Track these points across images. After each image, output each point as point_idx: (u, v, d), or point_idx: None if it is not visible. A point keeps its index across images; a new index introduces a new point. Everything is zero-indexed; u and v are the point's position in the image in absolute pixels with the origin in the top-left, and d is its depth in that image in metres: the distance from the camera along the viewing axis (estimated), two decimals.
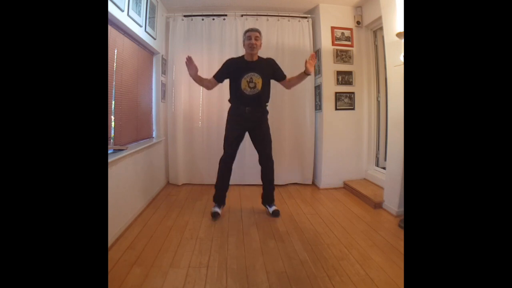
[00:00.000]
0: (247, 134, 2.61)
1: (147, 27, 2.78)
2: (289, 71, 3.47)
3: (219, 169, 2.62)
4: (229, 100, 2.55)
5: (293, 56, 3.51)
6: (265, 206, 2.67)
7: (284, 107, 3.54)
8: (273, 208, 2.58)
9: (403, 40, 2.26)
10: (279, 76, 2.54)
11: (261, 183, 2.68)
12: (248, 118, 2.46)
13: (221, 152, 3.51)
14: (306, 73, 2.35)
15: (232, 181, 3.56)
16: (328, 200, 3.02)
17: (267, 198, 2.64)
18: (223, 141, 2.60)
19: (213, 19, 3.47)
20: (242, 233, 2.21)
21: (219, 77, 2.49)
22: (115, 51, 2.25)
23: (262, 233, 2.21)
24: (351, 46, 3.40)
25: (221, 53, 3.48)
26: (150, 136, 3.24)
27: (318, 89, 3.49)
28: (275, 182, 3.53)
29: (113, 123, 2.26)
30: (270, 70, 2.50)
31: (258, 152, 2.58)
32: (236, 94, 2.46)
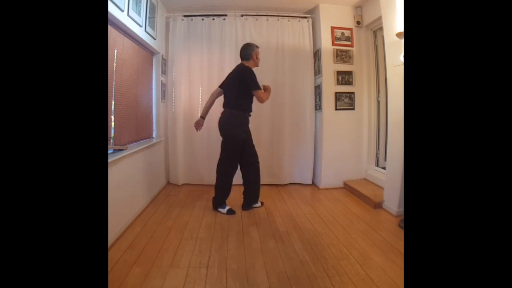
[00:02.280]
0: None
1: (147, 27, 2.78)
2: (289, 71, 3.50)
3: (227, 178, 2.64)
4: (242, 109, 2.56)
5: (293, 56, 3.51)
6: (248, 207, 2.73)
7: (284, 107, 3.54)
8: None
9: (403, 40, 2.26)
10: None
11: (259, 183, 2.72)
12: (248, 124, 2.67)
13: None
14: None
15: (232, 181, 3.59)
16: (328, 200, 3.02)
17: (251, 197, 2.73)
18: (226, 152, 2.64)
19: (213, 19, 3.47)
20: (242, 233, 2.21)
21: None
22: (115, 51, 2.25)
23: (262, 233, 2.21)
24: (351, 46, 3.40)
25: (221, 53, 3.49)
26: (150, 136, 3.24)
27: (318, 89, 3.49)
28: (277, 182, 3.56)
29: (113, 123, 2.26)
30: None
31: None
32: (251, 103, 2.60)
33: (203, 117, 2.75)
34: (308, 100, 3.55)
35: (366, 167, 3.52)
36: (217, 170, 2.67)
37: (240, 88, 2.48)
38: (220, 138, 3.53)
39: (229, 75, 2.65)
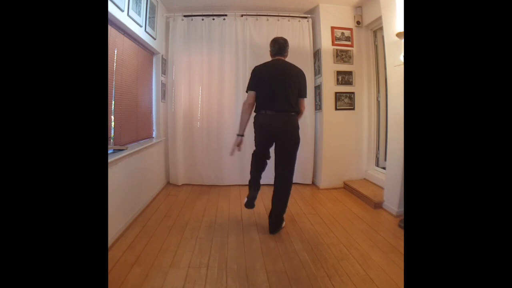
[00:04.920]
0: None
1: (147, 27, 2.78)
2: None
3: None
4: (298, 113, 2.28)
5: (293, 56, 3.49)
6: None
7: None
8: None
9: (403, 40, 2.26)
10: None
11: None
12: None
13: (220, 152, 3.55)
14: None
15: (232, 181, 3.59)
16: (328, 200, 3.02)
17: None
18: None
19: (213, 19, 3.47)
20: (242, 233, 2.21)
21: None
22: (115, 51, 2.25)
23: (262, 233, 2.21)
24: (351, 46, 3.40)
25: (221, 53, 3.49)
26: (150, 136, 3.24)
27: (318, 89, 3.49)
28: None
29: (113, 123, 2.26)
30: None
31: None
32: None
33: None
34: (308, 100, 3.54)
35: (366, 167, 3.52)
36: (291, 181, 2.30)
37: (297, 92, 2.21)
38: (220, 138, 3.58)
39: (271, 73, 2.18)
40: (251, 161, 2.39)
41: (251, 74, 2.26)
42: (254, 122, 2.28)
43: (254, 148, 2.38)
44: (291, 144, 2.19)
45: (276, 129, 2.16)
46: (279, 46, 2.28)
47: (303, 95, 2.26)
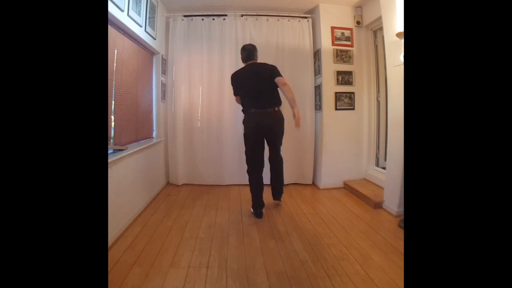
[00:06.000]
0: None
1: (147, 27, 2.78)
2: (289, 71, 3.50)
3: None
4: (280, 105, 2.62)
5: (293, 56, 3.51)
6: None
7: (284, 107, 3.54)
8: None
9: (403, 40, 2.26)
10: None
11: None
12: None
13: (221, 152, 3.55)
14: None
15: (232, 181, 3.59)
16: (328, 200, 3.02)
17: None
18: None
19: (213, 19, 3.47)
20: (242, 233, 2.21)
21: None
22: (115, 51, 2.25)
23: (262, 233, 2.21)
24: (351, 46, 3.40)
25: (221, 53, 3.49)
26: (150, 136, 3.24)
27: (318, 89, 3.49)
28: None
29: (113, 123, 2.26)
30: None
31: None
32: None
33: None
34: (308, 100, 3.55)
35: (366, 167, 3.52)
36: (282, 165, 2.71)
37: (272, 83, 2.50)
38: (220, 138, 3.59)
39: (248, 77, 2.52)
40: (249, 179, 2.65)
41: (231, 81, 2.63)
42: (244, 120, 2.59)
43: (249, 155, 2.64)
44: (278, 131, 2.59)
45: (264, 123, 2.49)
46: (247, 52, 2.61)
47: (277, 75, 2.49)
